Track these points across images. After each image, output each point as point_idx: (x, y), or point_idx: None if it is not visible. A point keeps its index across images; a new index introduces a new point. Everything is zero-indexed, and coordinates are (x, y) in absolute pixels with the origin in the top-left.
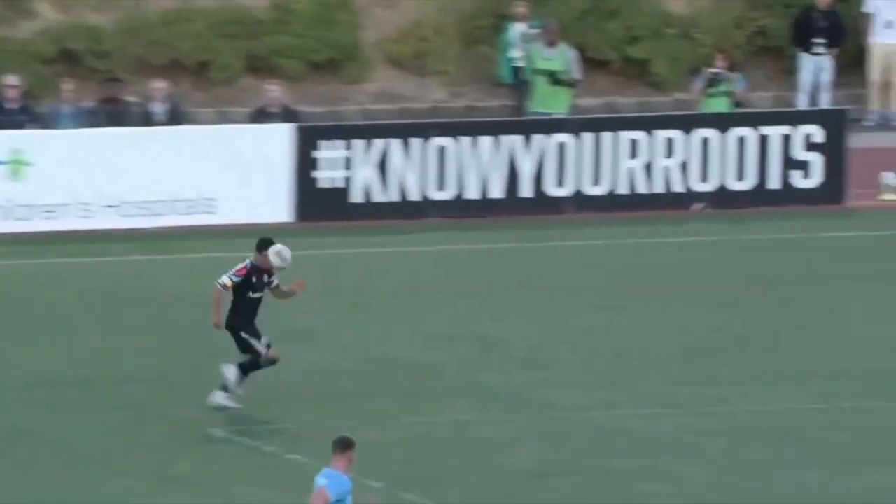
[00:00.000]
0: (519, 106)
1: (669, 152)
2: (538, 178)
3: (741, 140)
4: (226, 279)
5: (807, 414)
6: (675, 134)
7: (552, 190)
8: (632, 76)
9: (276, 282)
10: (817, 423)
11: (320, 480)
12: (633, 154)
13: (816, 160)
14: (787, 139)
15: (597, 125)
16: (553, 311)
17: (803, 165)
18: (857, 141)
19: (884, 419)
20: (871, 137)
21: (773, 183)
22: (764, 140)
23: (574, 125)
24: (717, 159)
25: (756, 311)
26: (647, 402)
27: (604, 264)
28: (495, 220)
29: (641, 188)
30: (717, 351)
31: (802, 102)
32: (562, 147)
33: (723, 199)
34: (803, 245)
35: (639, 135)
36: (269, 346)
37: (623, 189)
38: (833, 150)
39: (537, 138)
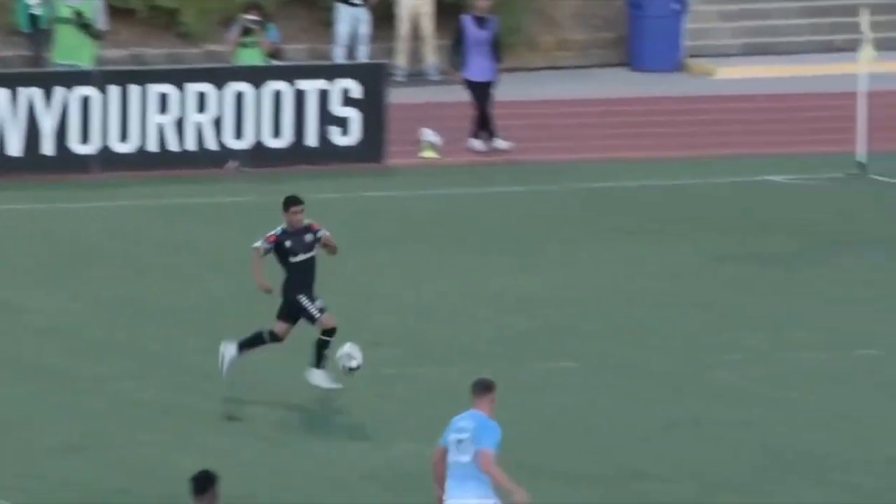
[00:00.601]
0: (37, 56)
1: (201, 107)
2: (61, 135)
3: (277, 95)
4: (258, 243)
5: (348, 382)
6: (206, 88)
7: (76, 147)
8: (158, 26)
9: (323, 235)
10: (358, 392)
11: (463, 423)
12: (163, 109)
13: (355, 116)
14: (324, 94)
15: (123, 78)
16: (80, 279)
17: (342, 122)
18: (391, 97)
19: (423, 385)
20: (403, 93)
21: (311, 140)
22: (300, 95)
23: (98, 78)
24: (252, 115)
25: None
26: (181, 373)
27: (134, 227)
28: (14, 180)
29: (173, 145)
30: (253, 320)
31: (339, 56)
32: (86, 101)
33: (259, 156)
34: (343, 205)
35: (168, 88)
36: (322, 311)
37: (153, 146)
38: (371, 107)
39: (59, 91)
